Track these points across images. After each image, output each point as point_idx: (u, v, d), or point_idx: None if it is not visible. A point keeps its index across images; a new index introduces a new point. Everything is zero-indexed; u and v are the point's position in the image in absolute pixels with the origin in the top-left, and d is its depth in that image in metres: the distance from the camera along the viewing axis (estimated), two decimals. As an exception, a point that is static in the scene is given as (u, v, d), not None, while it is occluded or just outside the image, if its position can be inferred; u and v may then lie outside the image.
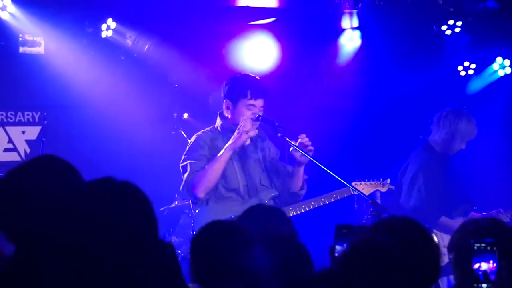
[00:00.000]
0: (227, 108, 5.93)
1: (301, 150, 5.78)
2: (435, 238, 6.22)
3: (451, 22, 8.71)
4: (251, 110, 5.84)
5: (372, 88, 8.94)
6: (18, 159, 7.94)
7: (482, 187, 7.95)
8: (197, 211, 5.90)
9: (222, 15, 8.25)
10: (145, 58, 8.21)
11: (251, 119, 5.83)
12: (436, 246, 2.91)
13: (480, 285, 2.84)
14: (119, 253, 2.33)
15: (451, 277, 3.65)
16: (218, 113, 6.02)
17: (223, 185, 5.86)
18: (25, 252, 2.61)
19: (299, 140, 5.84)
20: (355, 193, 5.99)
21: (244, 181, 5.91)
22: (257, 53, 8.46)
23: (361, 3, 8.23)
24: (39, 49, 7.83)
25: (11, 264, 2.64)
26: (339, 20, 8.68)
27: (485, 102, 8.94)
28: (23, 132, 8.08)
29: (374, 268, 2.48)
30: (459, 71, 9.11)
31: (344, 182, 5.69)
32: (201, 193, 5.76)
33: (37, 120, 8.05)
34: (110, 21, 7.89)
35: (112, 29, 7.92)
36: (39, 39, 7.80)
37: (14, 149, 8.04)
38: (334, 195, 6.11)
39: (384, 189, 6.39)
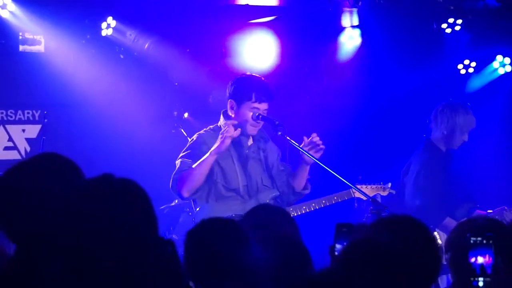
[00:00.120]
0: (231, 108, 5.93)
1: (301, 149, 5.79)
2: (437, 237, 6.23)
3: (451, 20, 8.71)
4: (254, 113, 5.85)
5: (372, 86, 8.94)
6: (18, 157, 7.93)
7: (483, 186, 7.95)
8: (197, 209, 5.91)
9: (222, 13, 8.25)
10: (145, 56, 8.21)
11: (252, 119, 5.83)
12: (436, 245, 2.91)
13: (477, 279, 2.85)
14: (119, 252, 2.33)
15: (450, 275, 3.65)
16: (222, 111, 6.01)
17: (223, 184, 5.86)
18: (26, 252, 2.60)
19: (310, 138, 5.85)
20: (356, 196, 6.02)
21: (244, 181, 5.91)
22: (258, 51, 8.46)
23: (361, 1, 8.22)
24: (39, 48, 7.83)
25: (12, 264, 2.64)
26: (339, 18, 8.68)
27: (485, 100, 8.93)
28: (23, 131, 8.08)
29: (374, 266, 2.48)
30: (459, 69, 9.11)
31: (347, 183, 5.71)
32: (185, 193, 5.78)
33: (37, 118, 8.05)
34: (110, 20, 7.89)
35: (112, 28, 7.92)
36: (39, 38, 7.80)
37: (14, 148, 8.04)
38: (335, 198, 6.13)
39: (385, 193, 6.40)
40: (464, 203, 6.72)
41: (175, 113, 8.20)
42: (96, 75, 7.97)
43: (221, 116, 6.00)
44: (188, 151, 5.90)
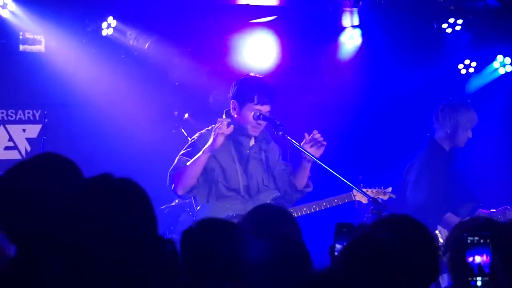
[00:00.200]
0: (234, 109, 5.93)
1: (301, 148, 5.80)
2: (439, 235, 6.22)
3: (451, 20, 8.71)
4: (255, 112, 5.84)
5: (373, 86, 8.93)
6: (19, 157, 7.93)
7: (485, 185, 7.96)
8: (198, 208, 5.92)
9: (223, 13, 8.25)
10: (145, 56, 8.21)
11: (253, 118, 5.83)
12: (436, 245, 2.91)
13: (475, 278, 2.85)
14: (119, 252, 2.33)
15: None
16: (225, 111, 6.01)
17: (224, 184, 5.87)
18: (26, 252, 2.60)
19: (311, 135, 5.85)
20: (357, 199, 6.04)
21: (245, 181, 5.91)
22: (258, 51, 8.46)
23: (361, 1, 8.22)
24: (40, 47, 7.82)
25: (13, 264, 2.64)
26: (339, 18, 8.68)
27: (486, 100, 8.93)
28: (24, 130, 8.08)
29: (374, 266, 2.48)
30: (460, 69, 9.11)
31: (348, 183, 5.71)
32: (179, 191, 5.81)
33: (37, 118, 8.05)
34: (110, 19, 7.88)
35: (113, 27, 7.91)
36: (39, 37, 7.80)
37: (15, 147, 8.04)
38: (336, 200, 6.15)
39: (385, 197, 6.40)
40: (467, 203, 6.73)
41: (176, 113, 8.20)
42: (97, 75, 7.96)
43: (224, 115, 6.00)
44: (188, 149, 5.92)
